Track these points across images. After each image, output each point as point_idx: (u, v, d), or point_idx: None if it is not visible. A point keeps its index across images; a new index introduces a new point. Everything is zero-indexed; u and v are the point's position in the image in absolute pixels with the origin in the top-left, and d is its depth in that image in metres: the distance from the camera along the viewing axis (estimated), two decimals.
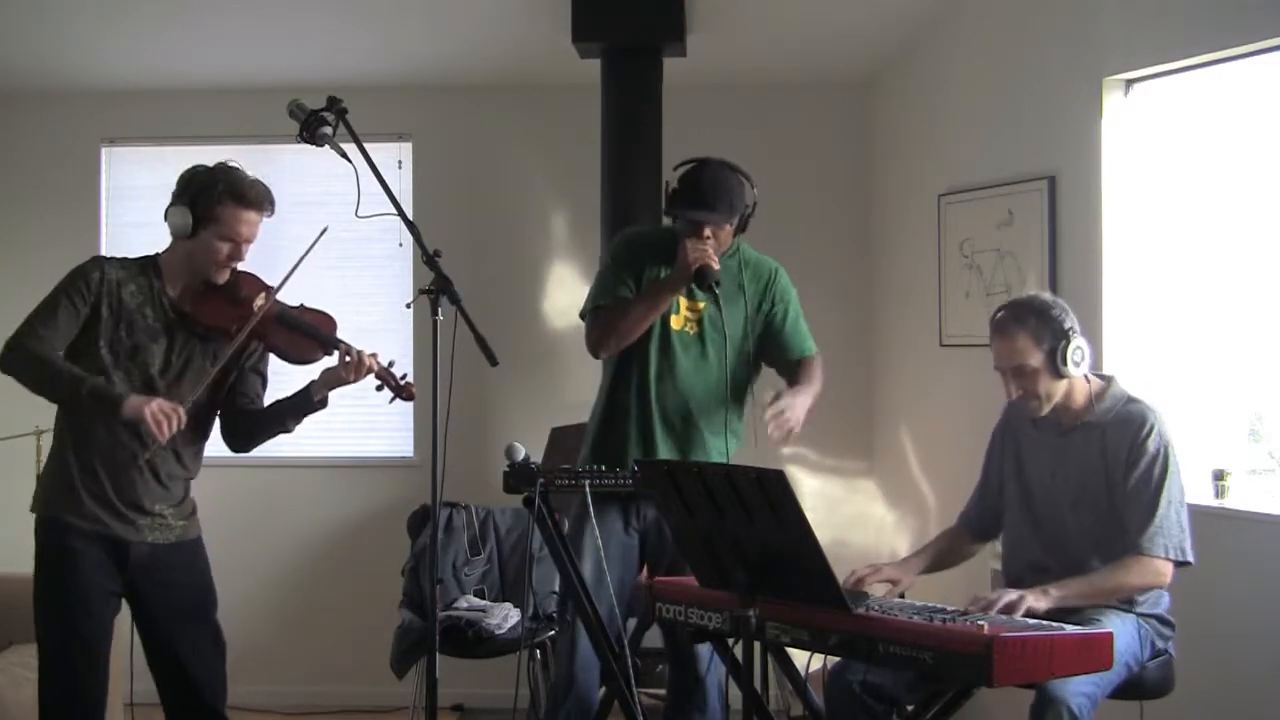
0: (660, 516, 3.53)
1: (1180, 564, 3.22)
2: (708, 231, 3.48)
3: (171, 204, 3.30)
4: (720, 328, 3.57)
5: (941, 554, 3.54)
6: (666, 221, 3.75)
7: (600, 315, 3.61)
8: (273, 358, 3.48)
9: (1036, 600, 3.05)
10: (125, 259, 3.38)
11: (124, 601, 3.37)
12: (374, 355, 3.34)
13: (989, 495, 3.55)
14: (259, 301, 3.33)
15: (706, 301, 3.58)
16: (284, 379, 3.53)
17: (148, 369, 3.28)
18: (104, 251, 5.47)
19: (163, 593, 3.33)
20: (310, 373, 3.44)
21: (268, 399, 3.51)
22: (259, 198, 3.29)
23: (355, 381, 3.34)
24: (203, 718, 3.39)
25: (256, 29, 5.07)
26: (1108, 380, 3.38)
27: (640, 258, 3.65)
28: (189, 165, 3.36)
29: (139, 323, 3.28)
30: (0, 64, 5.34)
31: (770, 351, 3.69)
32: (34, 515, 3.34)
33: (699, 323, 3.60)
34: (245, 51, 5.26)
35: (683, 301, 3.59)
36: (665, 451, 3.55)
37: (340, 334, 3.44)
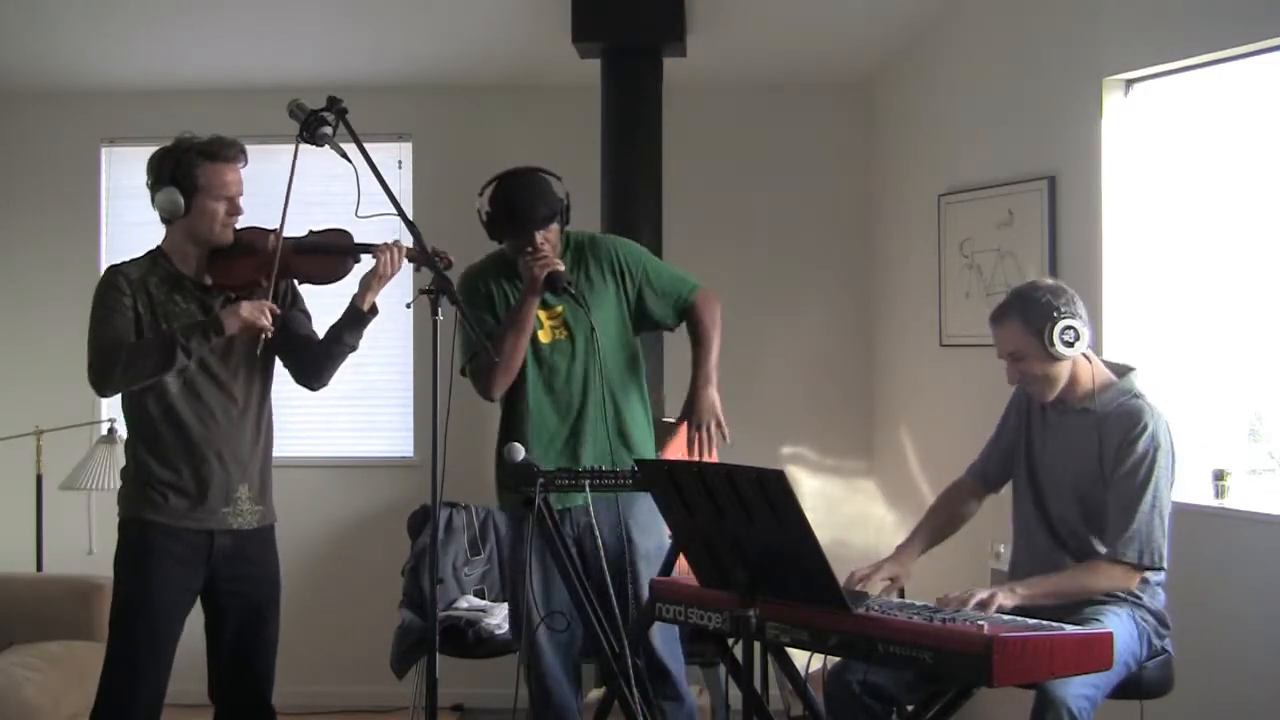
0: (592, 523, 3.52)
1: (1152, 568, 3.22)
2: (539, 239, 3.50)
3: (155, 192, 3.31)
4: (586, 322, 3.57)
5: (940, 526, 3.53)
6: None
7: (478, 360, 3.57)
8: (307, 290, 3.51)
9: (1005, 597, 3.06)
10: (134, 259, 3.39)
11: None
12: (398, 240, 3.35)
13: (998, 451, 3.56)
14: (271, 243, 3.34)
15: (563, 304, 3.60)
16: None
17: (199, 350, 3.30)
18: (104, 251, 5.51)
19: (238, 586, 3.38)
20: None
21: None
22: (233, 150, 3.33)
23: (395, 273, 3.36)
24: (257, 712, 3.42)
25: (256, 29, 5.07)
26: (1125, 373, 3.38)
27: (484, 285, 3.67)
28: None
29: (174, 310, 3.31)
30: (0, 64, 5.34)
31: (654, 312, 3.70)
32: (117, 515, 3.36)
33: (565, 326, 3.62)
34: (245, 51, 5.26)
35: (541, 314, 3.60)
36: (591, 457, 3.56)
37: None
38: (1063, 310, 3.24)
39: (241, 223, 3.37)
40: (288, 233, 3.37)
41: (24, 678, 4.16)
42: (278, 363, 3.50)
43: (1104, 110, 4.14)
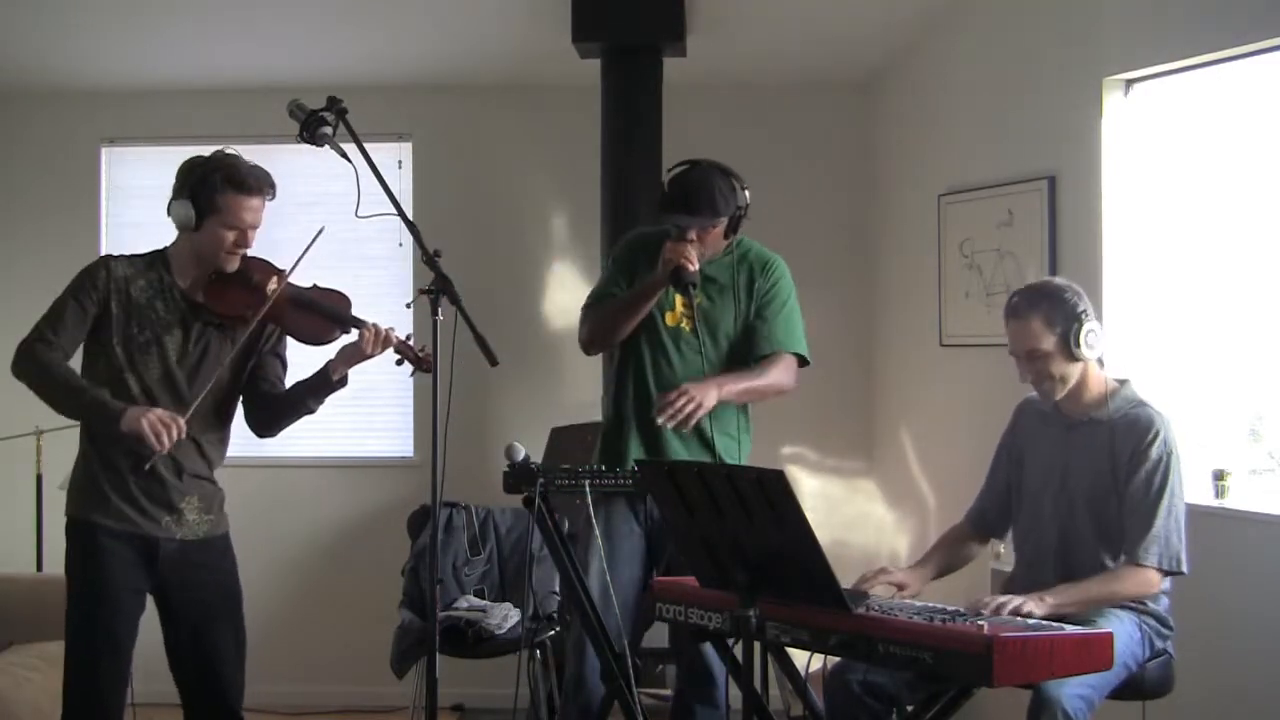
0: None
1: (1173, 573, 3.22)
2: (692, 234, 3.49)
3: (173, 198, 3.30)
4: (713, 323, 3.58)
5: (947, 559, 3.53)
6: None
7: (590, 313, 3.66)
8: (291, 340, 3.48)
9: (1035, 606, 3.05)
10: (134, 255, 3.38)
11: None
12: (391, 329, 3.35)
13: (993, 495, 3.56)
14: (271, 286, 3.33)
15: (701, 297, 3.57)
16: (309, 364, 3.49)
17: (165, 361, 3.29)
18: (104, 251, 5.49)
19: (190, 591, 3.34)
20: (328, 352, 3.43)
21: (289, 380, 3.51)
22: (258, 183, 3.28)
23: (375, 356, 3.34)
24: (222, 717, 3.39)
25: (257, 29, 5.07)
26: (1122, 383, 3.39)
27: (635, 258, 3.68)
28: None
29: (150, 317, 3.28)
30: (0, 64, 5.34)
31: (748, 340, 3.64)
32: (65, 516, 3.33)
33: (693, 320, 3.59)
34: (245, 51, 5.26)
35: (678, 298, 3.60)
36: (674, 451, 3.55)
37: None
38: (1086, 311, 3.25)
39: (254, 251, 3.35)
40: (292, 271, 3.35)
41: (24, 678, 4.17)
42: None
43: (1104, 110, 4.14)
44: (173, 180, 3.34)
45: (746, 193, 3.58)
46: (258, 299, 3.31)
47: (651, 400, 3.55)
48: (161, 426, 3.13)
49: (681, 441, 3.56)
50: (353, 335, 3.39)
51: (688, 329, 3.60)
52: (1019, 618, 2.93)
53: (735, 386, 3.52)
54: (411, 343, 3.40)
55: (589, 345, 3.71)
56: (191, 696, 3.39)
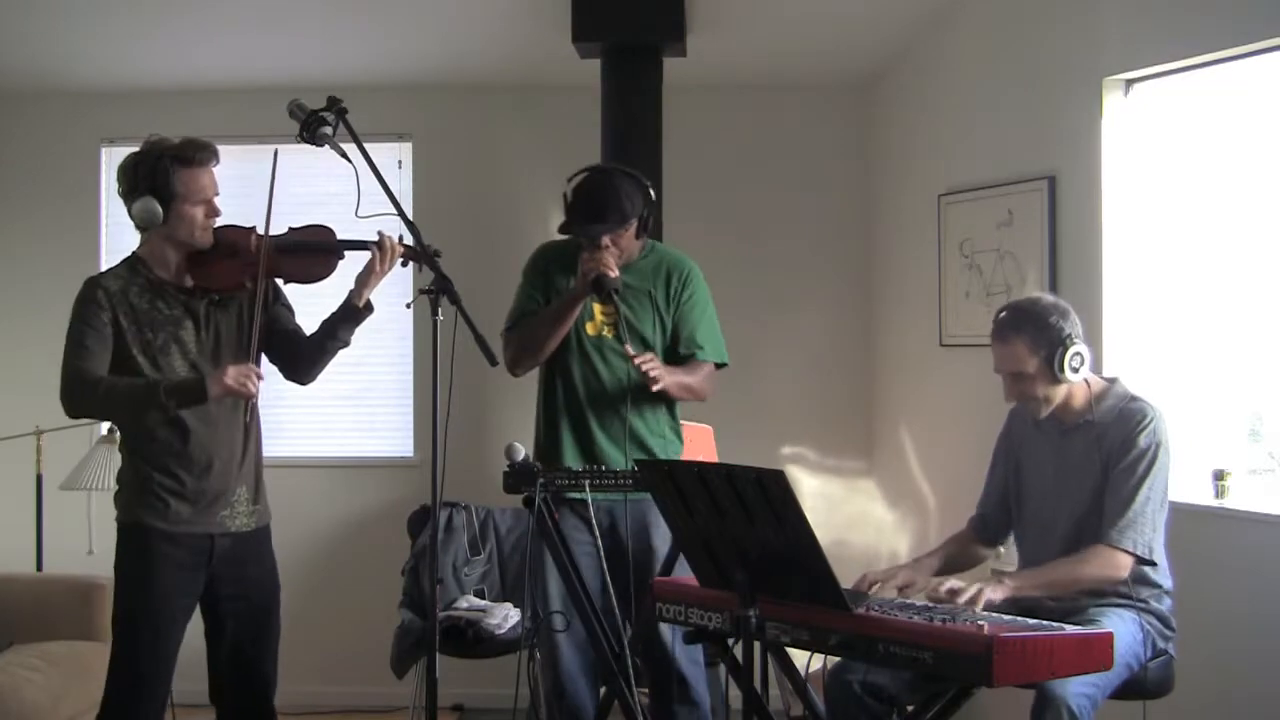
0: (614, 524, 3.54)
1: (1144, 562, 3.22)
2: (605, 241, 3.48)
3: (131, 202, 3.27)
4: (634, 330, 3.57)
5: (952, 557, 3.54)
6: None
7: (511, 336, 3.64)
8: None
9: (993, 591, 3.05)
10: (113, 269, 3.37)
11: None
12: (389, 236, 3.33)
13: (991, 503, 3.57)
14: (253, 243, 3.32)
15: (622, 305, 3.57)
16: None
17: (187, 356, 3.30)
18: (104, 251, 5.52)
19: (237, 587, 3.37)
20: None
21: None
22: (206, 153, 3.29)
23: (390, 269, 3.34)
24: (258, 713, 3.42)
25: (256, 29, 5.07)
26: (1111, 381, 3.38)
27: (549, 271, 3.68)
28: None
29: (158, 318, 3.29)
30: (0, 64, 5.34)
31: (670, 344, 3.67)
32: (115, 518, 3.35)
33: (615, 325, 3.59)
34: (245, 51, 5.26)
35: (596, 307, 3.60)
36: (610, 458, 3.56)
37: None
38: (1072, 335, 3.24)
39: (220, 220, 3.35)
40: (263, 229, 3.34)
41: (24, 678, 4.16)
42: (265, 360, 3.48)
43: (1104, 110, 4.14)
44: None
45: (652, 191, 3.59)
46: (246, 263, 3.30)
47: (583, 411, 3.58)
48: (244, 378, 3.18)
49: (616, 447, 3.56)
50: (352, 262, 3.37)
51: (610, 335, 3.60)
52: (994, 613, 2.92)
53: (678, 378, 3.56)
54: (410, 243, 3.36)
55: (514, 366, 3.66)
56: (232, 692, 3.42)
